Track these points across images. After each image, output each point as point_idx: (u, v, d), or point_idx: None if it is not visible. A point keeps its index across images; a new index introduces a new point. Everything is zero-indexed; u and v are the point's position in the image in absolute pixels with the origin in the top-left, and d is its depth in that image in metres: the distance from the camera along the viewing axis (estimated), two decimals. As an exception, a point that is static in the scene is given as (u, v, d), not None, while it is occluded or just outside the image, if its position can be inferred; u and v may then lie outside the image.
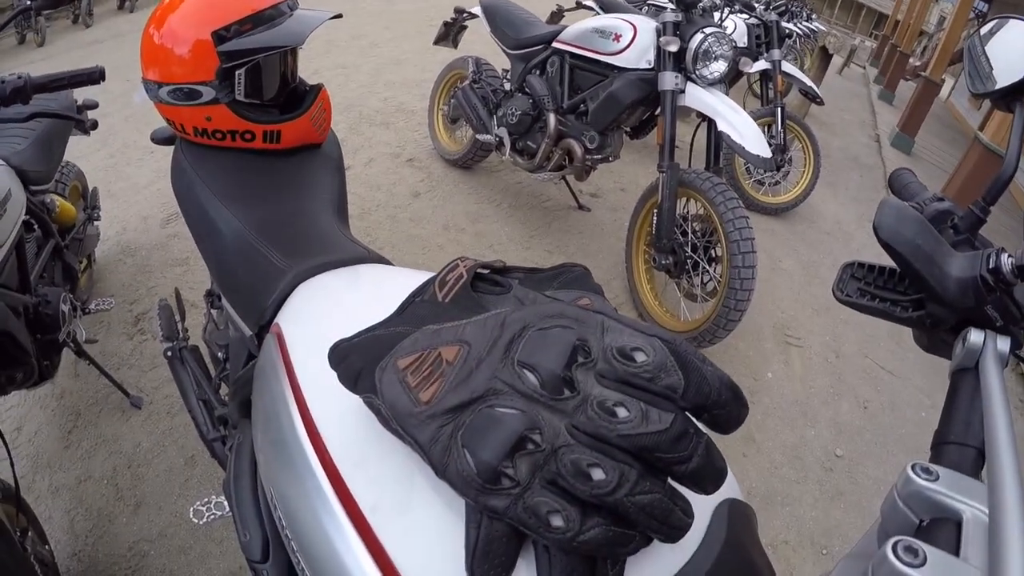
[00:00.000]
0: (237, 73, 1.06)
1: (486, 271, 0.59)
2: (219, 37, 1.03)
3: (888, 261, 0.59)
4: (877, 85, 10.67)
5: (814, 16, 8.53)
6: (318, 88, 1.19)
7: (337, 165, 1.18)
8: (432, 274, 0.59)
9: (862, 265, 0.61)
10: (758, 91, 3.91)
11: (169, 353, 1.36)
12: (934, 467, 0.37)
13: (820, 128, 6.06)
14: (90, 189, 2.28)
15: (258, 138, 1.10)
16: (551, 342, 0.38)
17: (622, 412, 0.35)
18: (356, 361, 0.47)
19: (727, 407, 0.37)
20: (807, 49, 7.25)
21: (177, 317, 1.47)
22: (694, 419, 0.37)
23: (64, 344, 1.60)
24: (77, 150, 2.91)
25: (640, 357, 0.36)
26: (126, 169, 3.14)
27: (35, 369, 1.42)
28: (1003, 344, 0.51)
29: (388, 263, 0.88)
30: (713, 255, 2.26)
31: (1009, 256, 0.50)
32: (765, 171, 3.69)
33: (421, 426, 0.39)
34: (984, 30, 0.69)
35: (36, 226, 1.65)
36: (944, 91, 9.72)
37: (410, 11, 7.09)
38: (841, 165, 5.36)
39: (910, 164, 6.46)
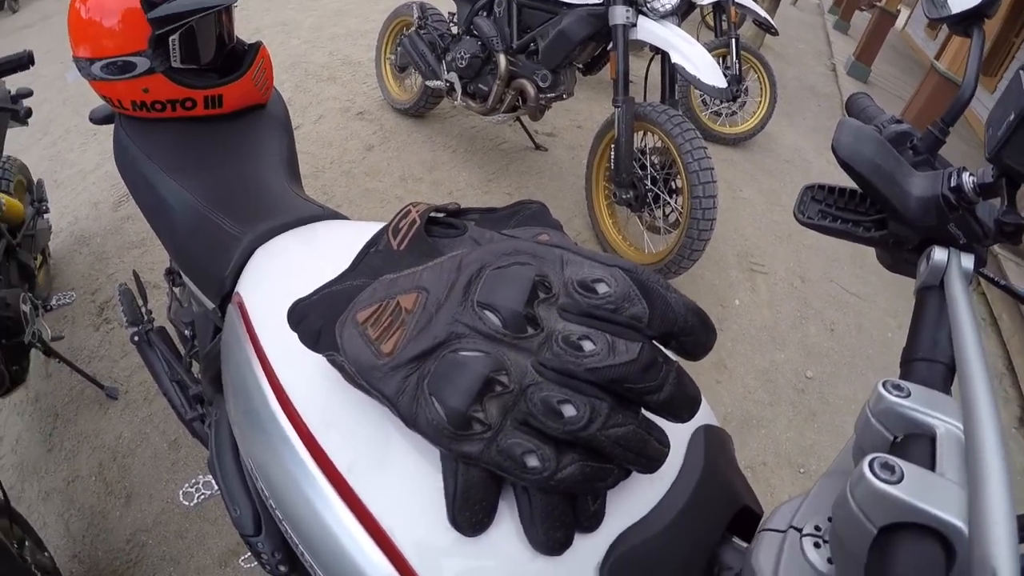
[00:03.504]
0: (171, 39, 1.01)
1: (440, 215, 0.58)
2: (149, 3, 0.99)
3: (849, 183, 0.59)
4: (832, 16, 10.62)
5: (768, -55, 8.40)
6: (257, 46, 1.14)
7: (284, 124, 1.15)
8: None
9: (822, 187, 0.61)
10: (711, 23, 3.86)
11: (136, 338, 1.32)
12: (905, 384, 0.37)
13: (776, 59, 6.03)
14: (35, 181, 2.18)
15: (199, 105, 1.06)
16: (510, 280, 0.37)
17: (588, 345, 0.35)
18: (315, 320, 0.46)
19: (694, 333, 0.37)
20: (760, -22, 7.16)
21: (139, 300, 1.43)
22: (662, 348, 0.37)
23: (31, 345, 1.55)
24: (17, 143, 2.77)
25: (602, 288, 0.36)
26: (70, 155, 3.00)
27: (5, 376, 1.39)
28: (967, 261, 0.51)
29: (344, 218, 0.86)
30: (673, 187, 2.26)
31: (971, 175, 0.50)
32: (721, 101, 3.67)
33: (386, 378, 0.38)
34: None
35: None
36: (900, 21, 9.73)
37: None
38: (798, 95, 5.35)
39: (867, 92, 6.50)
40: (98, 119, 1.17)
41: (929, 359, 0.46)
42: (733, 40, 3.46)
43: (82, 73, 1.04)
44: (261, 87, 1.13)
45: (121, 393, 1.79)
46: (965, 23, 0.60)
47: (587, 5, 2.21)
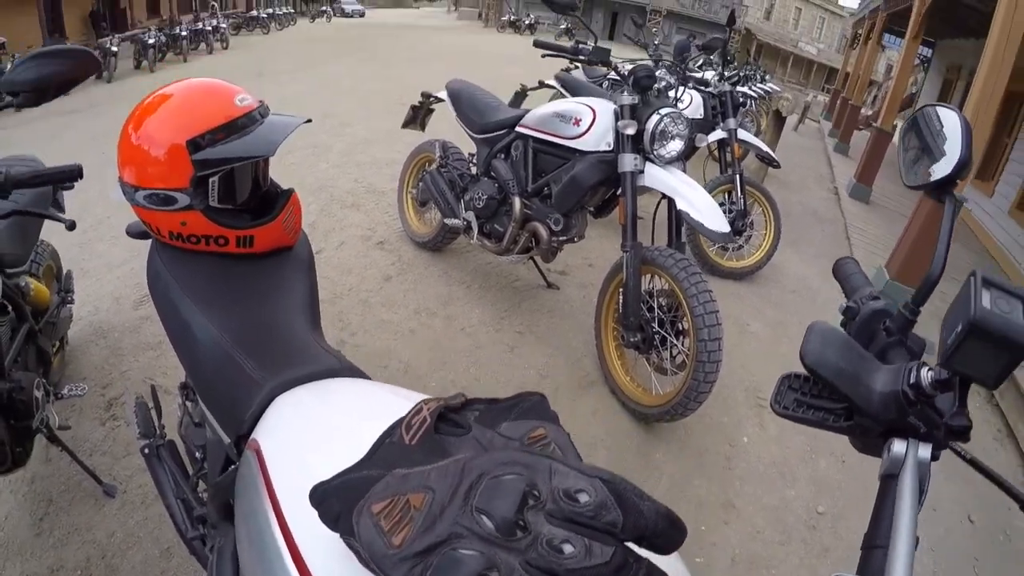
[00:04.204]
0: (211, 180, 1.08)
1: (448, 410, 0.64)
2: (194, 145, 1.04)
3: None
4: (832, 138, 11.10)
5: (768, 76, 9.02)
6: (289, 193, 1.21)
7: (308, 266, 1.21)
8: (397, 391, 0.63)
9: (798, 376, 0.66)
10: (717, 156, 4.10)
11: (147, 450, 1.34)
12: None
13: (779, 187, 6.28)
14: (64, 271, 2.26)
15: (231, 243, 1.12)
16: (504, 490, 0.43)
17: (568, 548, 0.40)
18: (335, 504, 0.51)
19: (664, 535, 0.42)
20: (763, 110, 7.60)
21: (153, 414, 1.47)
22: (635, 547, 0.42)
23: (37, 430, 1.56)
24: (53, 226, 2.91)
25: (583, 498, 0.41)
26: (99, 246, 3.13)
27: (8, 455, 1.40)
28: (924, 451, 0.55)
29: (360, 373, 0.92)
30: (680, 328, 2.27)
31: (929, 370, 0.55)
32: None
33: (395, 567, 0.43)
34: (915, 120, 0.73)
35: (10, 309, 1.62)
36: (896, 137, 10.16)
37: (379, 90, 7.28)
38: (802, 221, 5.54)
39: (869, 212, 6.68)
40: (134, 234, 1.23)
41: (887, 546, 0.50)
42: (738, 176, 3.64)
43: (126, 196, 1.10)
44: (290, 231, 1.19)
45: (119, 492, 1.78)
46: (940, 190, 0.66)
47: (598, 152, 2.34)
